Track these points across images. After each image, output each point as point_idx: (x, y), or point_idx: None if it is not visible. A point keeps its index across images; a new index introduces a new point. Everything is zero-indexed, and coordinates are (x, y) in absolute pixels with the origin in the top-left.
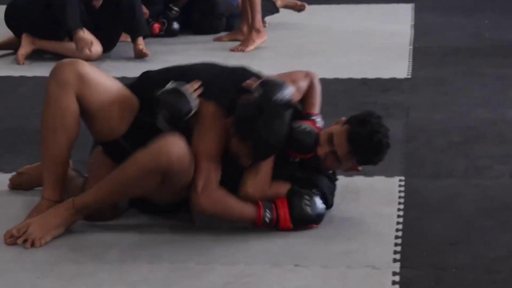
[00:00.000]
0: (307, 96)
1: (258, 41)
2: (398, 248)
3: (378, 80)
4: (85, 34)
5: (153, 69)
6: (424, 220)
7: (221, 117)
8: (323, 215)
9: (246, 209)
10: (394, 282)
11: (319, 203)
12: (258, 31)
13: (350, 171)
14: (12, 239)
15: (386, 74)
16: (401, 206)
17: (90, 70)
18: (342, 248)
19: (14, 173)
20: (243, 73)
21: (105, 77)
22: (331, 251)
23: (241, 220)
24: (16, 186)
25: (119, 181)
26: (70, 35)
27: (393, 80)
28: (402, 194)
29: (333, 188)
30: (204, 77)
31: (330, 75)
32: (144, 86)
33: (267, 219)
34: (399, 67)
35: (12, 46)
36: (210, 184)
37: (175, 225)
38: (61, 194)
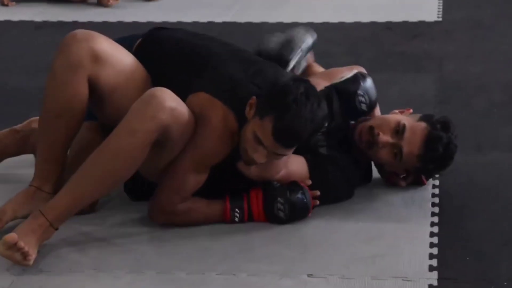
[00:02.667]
0: None
1: None
2: (435, 251)
3: (404, 24)
4: None
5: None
6: (466, 210)
7: (230, 121)
8: (304, 214)
9: (212, 215)
10: None
11: (299, 203)
12: None
13: (390, 182)
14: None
15: (413, 17)
16: (436, 191)
17: (106, 46)
18: (366, 251)
19: None
20: (271, 70)
21: (121, 53)
22: (353, 256)
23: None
24: None
25: (105, 163)
26: None
27: (421, 24)
28: (437, 175)
29: (354, 179)
30: (225, 69)
31: (350, 18)
32: (154, 60)
33: (236, 219)
34: (427, 7)
35: None
36: (174, 201)
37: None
38: (54, 186)
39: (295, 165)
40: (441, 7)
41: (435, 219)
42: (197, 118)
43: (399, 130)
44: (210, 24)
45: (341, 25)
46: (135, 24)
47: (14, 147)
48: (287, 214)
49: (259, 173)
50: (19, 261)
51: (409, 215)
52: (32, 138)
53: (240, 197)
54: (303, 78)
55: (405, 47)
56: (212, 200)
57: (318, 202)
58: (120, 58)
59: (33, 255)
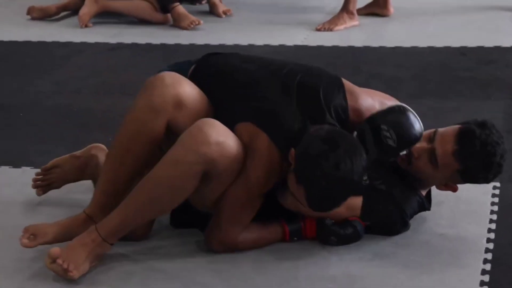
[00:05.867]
0: None
1: (349, 23)
2: None
3: (479, 50)
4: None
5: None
6: None
7: (274, 153)
8: (356, 241)
9: (271, 241)
10: None
11: (352, 236)
12: (351, 13)
13: (446, 189)
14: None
15: (489, 42)
16: (493, 226)
17: (190, 92)
18: (411, 287)
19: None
20: (328, 97)
21: (199, 96)
22: None
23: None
24: (44, 187)
25: (150, 190)
26: (166, 9)
27: (497, 49)
28: (496, 208)
29: (412, 210)
30: (271, 98)
31: (423, 43)
32: (206, 87)
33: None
34: (505, 32)
35: (76, 7)
36: (234, 232)
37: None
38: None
39: (350, 203)
40: None
41: (489, 256)
42: (246, 148)
43: (431, 137)
44: (282, 47)
45: (414, 50)
46: (206, 46)
47: (74, 173)
48: (340, 244)
49: (295, 207)
50: (62, 275)
51: (462, 250)
52: (91, 164)
53: (298, 226)
54: (342, 131)
55: (476, 73)
56: (268, 224)
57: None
58: (199, 103)
59: (78, 270)
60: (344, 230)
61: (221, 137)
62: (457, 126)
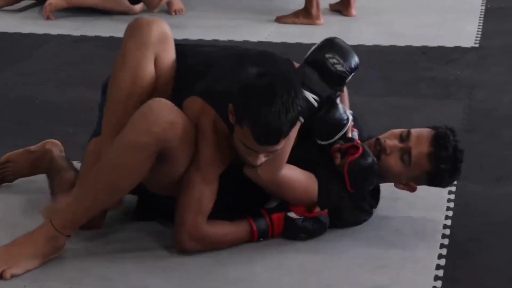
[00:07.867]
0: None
1: (303, 21)
2: (439, 284)
3: (440, 49)
4: None
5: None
6: (478, 244)
7: (220, 128)
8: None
9: (239, 239)
10: None
11: (320, 229)
12: (309, 13)
13: (404, 187)
14: None
15: (450, 42)
16: (448, 222)
17: (169, 30)
18: (369, 281)
19: None
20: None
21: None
22: (354, 286)
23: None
24: None
25: (106, 176)
26: None
27: (457, 50)
28: (451, 205)
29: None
30: (222, 76)
31: (385, 41)
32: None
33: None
34: (466, 33)
35: None
36: (198, 221)
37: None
38: None
39: (310, 183)
40: (479, 33)
41: (443, 251)
42: (195, 125)
43: (404, 136)
44: (246, 43)
45: (376, 48)
46: None
47: (28, 168)
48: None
49: (266, 174)
50: None
51: (417, 245)
52: (46, 159)
53: (265, 223)
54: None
55: (437, 72)
56: (236, 222)
57: None
58: (173, 43)
59: (17, 267)
60: (313, 226)
61: (172, 115)
62: (430, 129)
